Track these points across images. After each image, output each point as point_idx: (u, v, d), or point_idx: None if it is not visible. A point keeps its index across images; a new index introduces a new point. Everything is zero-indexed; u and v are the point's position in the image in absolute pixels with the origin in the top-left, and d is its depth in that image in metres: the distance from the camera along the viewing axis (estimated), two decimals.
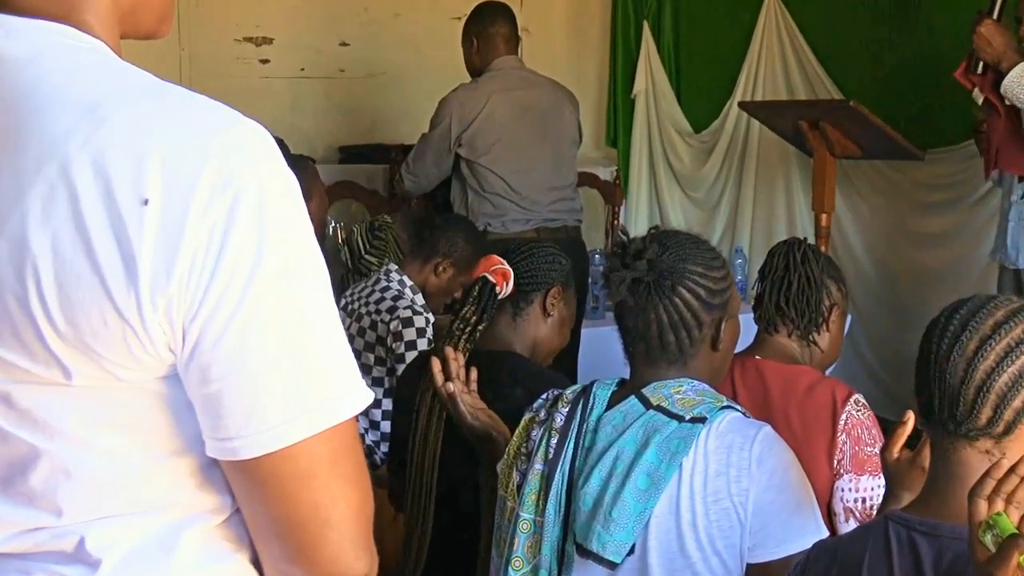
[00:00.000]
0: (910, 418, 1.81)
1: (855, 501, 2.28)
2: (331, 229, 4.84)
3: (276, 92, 5.84)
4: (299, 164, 3.82)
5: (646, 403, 1.79)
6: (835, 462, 2.30)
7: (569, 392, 1.89)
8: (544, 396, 1.94)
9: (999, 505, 1.37)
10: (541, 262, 2.46)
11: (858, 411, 2.33)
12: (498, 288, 2.37)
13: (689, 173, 5.98)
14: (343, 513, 0.94)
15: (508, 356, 2.41)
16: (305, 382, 0.93)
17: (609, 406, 1.84)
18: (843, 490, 2.29)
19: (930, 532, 1.52)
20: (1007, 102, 3.44)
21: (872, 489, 2.28)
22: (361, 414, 3.71)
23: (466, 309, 2.36)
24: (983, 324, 1.52)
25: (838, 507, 2.30)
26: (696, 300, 1.83)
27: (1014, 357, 1.50)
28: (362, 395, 0.96)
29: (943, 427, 1.54)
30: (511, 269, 2.39)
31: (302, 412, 0.92)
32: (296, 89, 5.90)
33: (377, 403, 3.32)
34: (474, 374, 2.23)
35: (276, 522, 0.94)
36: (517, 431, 1.93)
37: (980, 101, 3.61)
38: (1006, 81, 3.40)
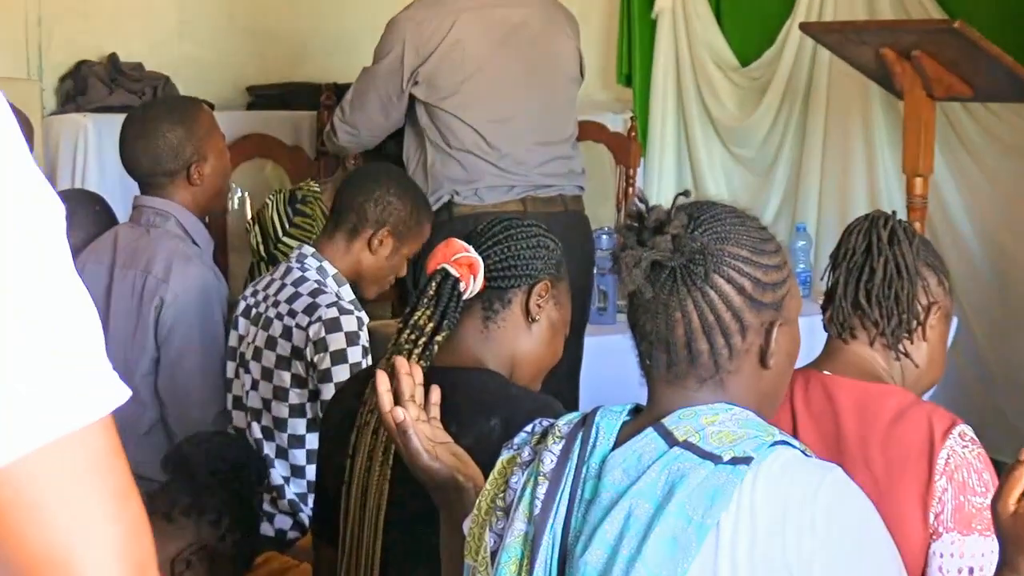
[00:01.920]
0: None
1: (960, 571, 2.29)
2: (236, 200, 4.83)
3: (159, 10, 5.82)
4: (190, 110, 3.82)
5: (669, 438, 1.78)
6: (932, 517, 2.30)
7: (563, 423, 1.88)
8: (528, 429, 1.94)
9: None
10: (522, 247, 2.45)
11: (964, 447, 2.33)
12: (462, 284, 2.37)
13: (734, 122, 6.01)
14: (98, 557, 0.95)
15: (478, 376, 2.41)
16: (23, 373, 0.94)
17: (618, 442, 1.83)
18: (943, 555, 2.29)
19: None
20: None
21: (983, 555, 2.28)
22: (279, 458, 3.70)
23: (419, 313, 2.36)
24: None
25: None
26: (739, 295, 1.83)
27: None
28: (113, 389, 0.97)
29: None
30: (479, 257, 2.39)
31: (19, 416, 0.93)
32: (186, 5, 5.88)
33: (300, 440, 3.34)
34: (436, 395, 2.25)
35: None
36: (491, 477, 1.94)
37: None
38: None
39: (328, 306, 3.30)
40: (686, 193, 1.88)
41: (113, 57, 5.48)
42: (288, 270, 3.45)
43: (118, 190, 4.53)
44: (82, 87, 5.43)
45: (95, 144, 5.14)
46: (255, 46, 5.97)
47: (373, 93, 4.28)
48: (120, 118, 3.88)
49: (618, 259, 1.81)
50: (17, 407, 0.94)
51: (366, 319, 3.34)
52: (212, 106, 4.28)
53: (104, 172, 5.07)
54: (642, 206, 1.83)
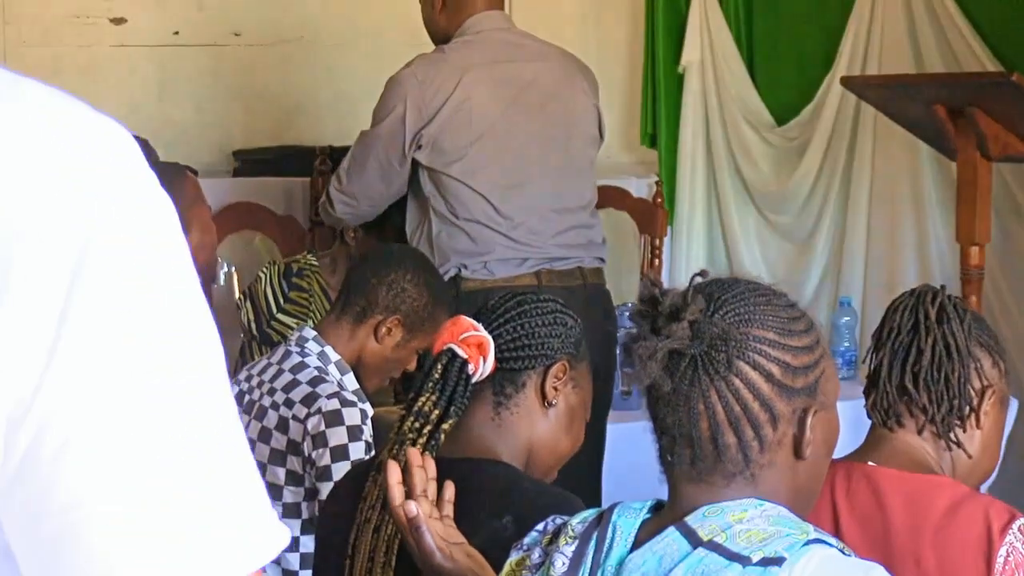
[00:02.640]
0: None
1: None
2: (223, 276, 4.85)
3: (136, 67, 5.87)
4: (172, 178, 3.84)
5: (692, 538, 1.78)
6: None
7: (577, 521, 1.89)
8: (540, 527, 1.95)
9: None
10: (537, 324, 2.47)
11: None
12: (471, 366, 2.38)
13: (770, 187, 6.00)
14: None
15: (489, 468, 2.42)
16: (187, 519, 0.94)
17: (638, 543, 1.83)
18: None
19: None
20: None
21: None
22: (271, 562, 3.74)
23: (423, 399, 2.37)
24: None
25: None
26: (767, 382, 1.83)
27: None
28: (275, 535, 0.99)
29: None
30: (490, 337, 2.40)
31: (183, 564, 0.93)
32: (167, 63, 5.92)
33: (294, 543, 3.32)
34: (449, 492, 2.26)
35: None
36: None
37: None
38: None
39: (329, 397, 3.29)
40: (703, 273, 1.89)
41: None
42: (287, 354, 3.43)
43: None
44: None
45: None
46: (242, 106, 5.99)
47: (372, 158, 4.28)
48: None
49: (631, 351, 1.82)
50: (196, 549, 0.94)
51: (370, 411, 3.32)
52: (195, 172, 4.32)
53: None
54: (655, 290, 1.82)
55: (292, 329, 4.25)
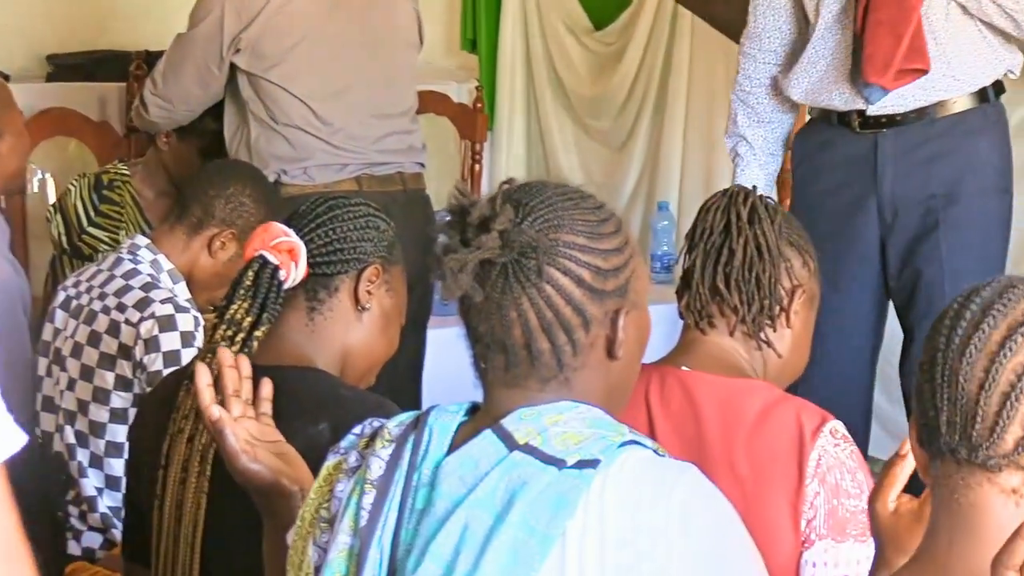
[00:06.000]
0: (908, 451, 1.85)
1: None
2: (35, 184, 4.76)
3: None
4: None
5: (509, 441, 1.78)
6: (804, 523, 2.33)
7: (394, 425, 1.88)
8: (356, 431, 1.93)
9: None
10: (348, 228, 2.45)
11: (836, 446, 2.36)
12: (283, 272, 2.36)
13: (588, 92, 6.02)
14: None
15: (303, 375, 2.40)
16: None
17: (454, 446, 1.82)
18: (816, 564, 2.32)
19: None
20: None
21: (858, 562, 2.31)
22: (93, 467, 3.65)
23: (235, 306, 2.34)
24: (1012, 308, 1.56)
25: None
26: (578, 287, 1.82)
27: None
28: (6, 438, 0.95)
29: (952, 455, 1.57)
30: (301, 242, 2.38)
31: None
32: None
33: (117, 449, 3.30)
34: (267, 389, 2.23)
35: None
36: (316, 484, 1.92)
37: None
38: None
39: (163, 302, 3.28)
40: (510, 181, 1.86)
41: None
42: (118, 261, 3.41)
43: None
44: None
45: None
46: (56, 9, 5.89)
47: (189, 62, 4.24)
48: None
49: (441, 263, 1.80)
50: None
51: (202, 320, 3.30)
52: (7, 77, 4.22)
53: None
54: (464, 200, 1.81)
55: (103, 243, 4.21)
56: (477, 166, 5.62)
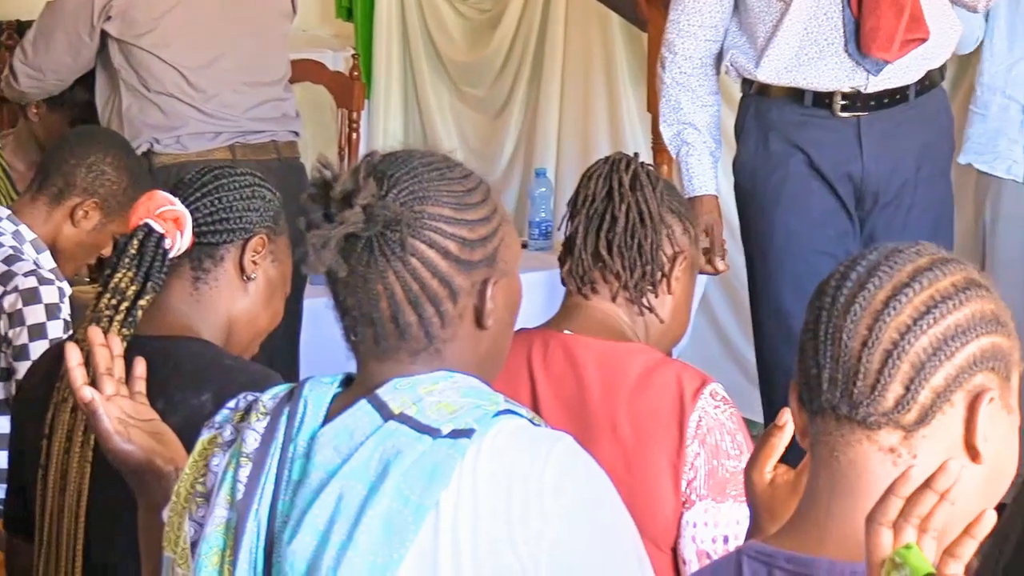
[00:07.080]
0: (788, 419, 1.85)
1: (715, 540, 2.34)
2: None
3: None
4: None
5: (384, 410, 1.77)
6: (684, 484, 2.35)
7: (268, 397, 1.86)
8: (231, 404, 1.92)
9: (909, 535, 1.40)
10: (234, 198, 2.44)
11: (716, 408, 2.38)
12: (168, 241, 2.35)
13: (464, 59, 6.02)
14: None
15: (187, 345, 2.39)
16: None
17: (329, 417, 1.82)
18: (696, 525, 2.35)
19: (803, 573, 1.56)
20: None
21: (738, 522, 2.33)
22: None
23: (119, 275, 2.32)
24: (898, 270, 1.58)
25: (689, 551, 2.36)
26: (444, 259, 1.81)
27: (938, 315, 1.55)
28: None
29: (833, 412, 1.58)
30: (186, 211, 2.37)
31: None
32: None
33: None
34: (140, 368, 2.21)
35: None
36: (191, 459, 1.91)
37: None
38: None
39: (26, 275, 3.25)
40: (371, 154, 1.84)
41: None
42: None
43: None
44: None
45: None
46: None
47: (60, 30, 4.21)
48: None
49: (305, 239, 1.77)
50: None
51: (68, 290, 3.29)
52: None
53: None
54: (327, 173, 1.77)
55: None
56: (354, 135, 5.59)
